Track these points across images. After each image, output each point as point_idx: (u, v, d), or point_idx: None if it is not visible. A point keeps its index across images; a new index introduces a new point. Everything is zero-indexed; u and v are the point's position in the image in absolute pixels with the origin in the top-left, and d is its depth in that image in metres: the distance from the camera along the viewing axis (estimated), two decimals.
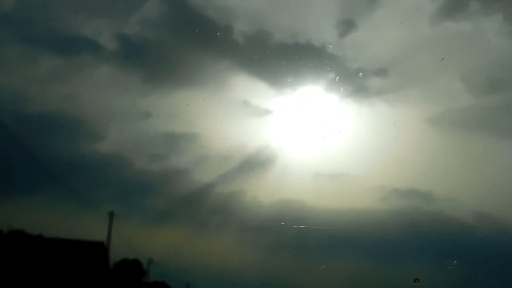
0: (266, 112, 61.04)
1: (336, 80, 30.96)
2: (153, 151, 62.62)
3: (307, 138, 38.91)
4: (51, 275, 27.32)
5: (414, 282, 14.37)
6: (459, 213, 62.99)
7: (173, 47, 50.45)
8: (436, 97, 61.90)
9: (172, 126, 64.99)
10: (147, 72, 61.06)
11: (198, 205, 57.50)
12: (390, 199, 71.87)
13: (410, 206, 67.99)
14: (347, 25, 45.80)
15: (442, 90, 59.54)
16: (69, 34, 55.06)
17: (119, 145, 60.48)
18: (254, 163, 52.69)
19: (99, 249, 36.68)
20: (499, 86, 60.20)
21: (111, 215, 28.36)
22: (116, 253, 38.51)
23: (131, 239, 39.01)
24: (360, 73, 44.03)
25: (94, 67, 56.52)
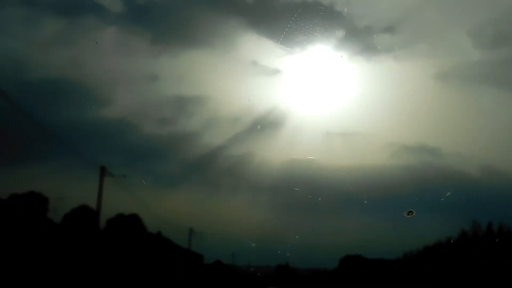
0: (275, 71, 59.33)
1: (345, 37, 30.72)
2: (161, 115, 60.92)
3: (317, 98, 38.75)
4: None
5: (408, 215, 14.74)
6: (465, 167, 62.97)
7: (180, 7, 49.38)
8: (444, 52, 60.73)
9: (180, 89, 63.32)
10: (154, 33, 59.08)
11: (208, 168, 56.44)
12: (400, 155, 70.48)
13: (419, 162, 66.93)
14: None
15: (449, 45, 58.61)
16: None
17: (127, 110, 58.92)
18: (263, 125, 51.59)
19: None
20: (506, 39, 59.26)
21: (102, 169, 27.98)
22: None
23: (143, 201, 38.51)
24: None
25: (98, 30, 54.82)
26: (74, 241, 26.79)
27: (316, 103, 37.01)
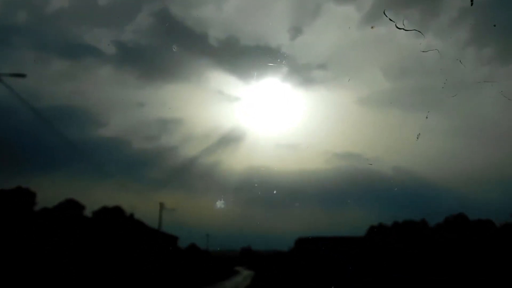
0: (236, 99, 71.77)
1: (289, 72, 38.95)
2: (148, 133, 73.11)
3: (269, 118, 47.68)
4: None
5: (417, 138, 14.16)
6: (382, 168, 75.56)
7: (161, 51, 58.54)
8: (363, 83, 74.51)
9: (162, 113, 76.30)
10: (141, 70, 70.65)
11: (186, 174, 67.70)
12: (332, 160, 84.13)
13: (347, 165, 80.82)
14: (296, 31, 54.45)
15: (366, 77, 72.30)
16: (74, 41, 62.65)
17: (119, 130, 70.06)
18: (228, 140, 63.24)
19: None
20: (406, 73, 74.07)
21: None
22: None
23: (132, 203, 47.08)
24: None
25: (96, 68, 64.99)
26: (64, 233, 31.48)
27: (268, 122, 46.50)
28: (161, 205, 44.70)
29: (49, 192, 47.07)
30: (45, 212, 37.19)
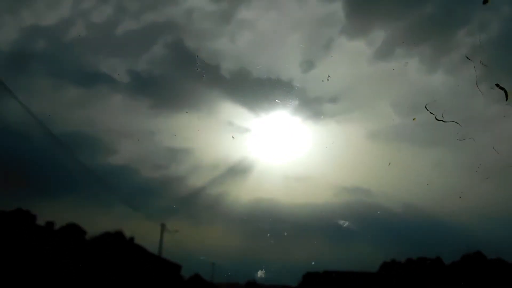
0: (246, 130, 72.53)
1: (299, 105, 39.06)
2: (157, 162, 73.66)
3: (278, 150, 47.41)
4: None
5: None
6: (391, 204, 74.24)
7: (173, 81, 59.39)
8: (373, 118, 74.17)
9: (172, 142, 77.19)
10: (153, 100, 72.33)
11: (193, 204, 67.44)
12: (340, 194, 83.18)
13: (355, 200, 79.40)
14: (308, 65, 54.84)
15: (377, 113, 71.87)
16: (90, 69, 64.14)
17: (129, 158, 70.75)
18: (236, 171, 63.50)
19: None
20: (417, 109, 73.45)
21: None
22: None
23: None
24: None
25: (110, 96, 66.30)
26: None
27: (277, 154, 46.40)
28: (163, 226, 42.60)
29: (53, 216, 46.30)
30: (47, 233, 36.14)
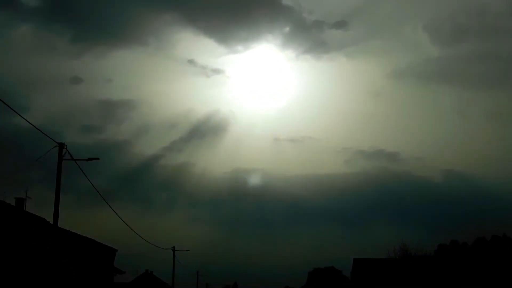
0: (216, 71, 57.83)
1: (291, 34, 27.35)
2: (86, 122, 55.70)
3: (263, 101, 35.46)
4: None
5: None
6: (427, 173, 62.56)
7: (105, 1, 45.80)
8: (399, 49, 60.65)
9: (107, 92, 58.99)
10: (75, 30, 54.52)
11: (141, 181, 51.31)
12: (354, 161, 69.61)
13: (376, 168, 66.09)
14: None
15: (405, 41, 58.13)
16: None
17: (46, 117, 53.07)
18: (203, 131, 48.00)
19: None
20: (465, 35, 59.54)
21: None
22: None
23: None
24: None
25: (12, 28, 50.30)
26: None
27: (262, 106, 35.14)
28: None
29: None
30: None
